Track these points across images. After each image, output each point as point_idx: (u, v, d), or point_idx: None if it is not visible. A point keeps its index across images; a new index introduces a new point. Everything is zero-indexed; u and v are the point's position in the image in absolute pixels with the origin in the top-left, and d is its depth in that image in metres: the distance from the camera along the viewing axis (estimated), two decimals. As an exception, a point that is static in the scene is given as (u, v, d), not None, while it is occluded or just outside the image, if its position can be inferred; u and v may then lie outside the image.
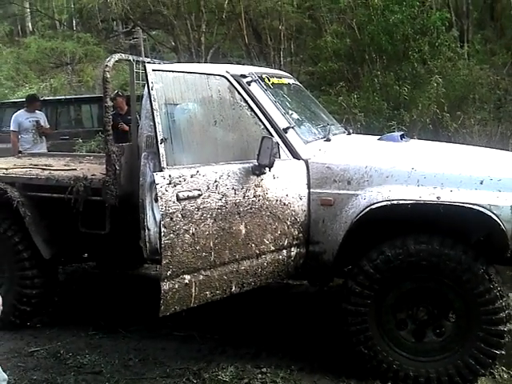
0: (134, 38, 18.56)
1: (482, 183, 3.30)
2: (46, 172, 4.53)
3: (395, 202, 3.34)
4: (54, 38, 18.81)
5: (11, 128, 8.02)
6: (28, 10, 20.79)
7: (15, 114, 8.18)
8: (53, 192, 4.20)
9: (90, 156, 5.96)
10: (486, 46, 12.06)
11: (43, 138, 8.22)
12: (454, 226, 3.39)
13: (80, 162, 5.29)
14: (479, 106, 9.51)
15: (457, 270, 3.25)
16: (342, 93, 9.71)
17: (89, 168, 4.76)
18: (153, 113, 3.22)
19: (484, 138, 8.53)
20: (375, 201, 3.38)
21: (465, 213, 3.26)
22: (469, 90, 9.43)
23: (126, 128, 6.96)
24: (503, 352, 3.35)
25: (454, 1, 12.34)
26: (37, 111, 8.24)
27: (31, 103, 8.22)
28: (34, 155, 6.11)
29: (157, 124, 3.20)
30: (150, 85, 3.24)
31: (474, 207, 3.23)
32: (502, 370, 3.61)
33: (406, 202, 3.32)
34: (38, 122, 8.07)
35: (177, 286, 3.21)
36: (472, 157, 4.02)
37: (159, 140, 3.19)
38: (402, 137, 4.33)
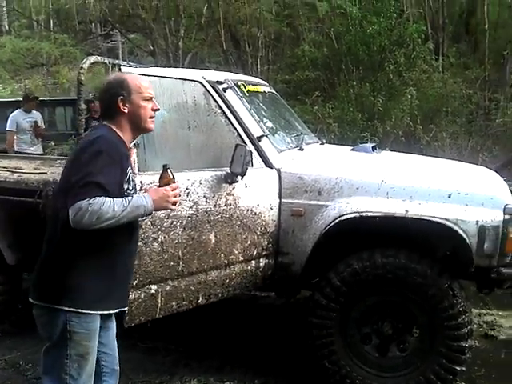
0: (111, 41, 18.45)
1: (449, 197, 3.31)
2: (16, 175, 4.43)
3: (364, 213, 3.34)
4: (30, 38, 18.59)
5: (8, 128, 7.74)
6: (4, 8, 20.51)
7: (12, 113, 7.95)
8: (21, 196, 4.11)
9: (61, 159, 5.85)
10: (460, 59, 12.26)
11: (39, 138, 8.04)
12: (421, 240, 3.40)
13: (51, 166, 5.19)
14: (451, 119, 9.64)
15: (422, 285, 3.25)
16: (317, 102, 9.76)
17: (60, 172, 4.67)
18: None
19: (455, 151, 8.65)
20: (344, 212, 3.38)
21: (432, 227, 3.27)
22: (442, 102, 9.57)
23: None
24: (464, 368, 3.35)
25: (430, 13, 12.54)
26: (33, 111, 8.02)
27: (27, 102, 7.97)
28: (3, 157, 5.99)
29: (128, 129, 3.13)
30: (123, 89, 3.18)
31: (442, 221, 3.24)
32: (463, 385, 3.61)
33: (374, 214, 3.33)
34: (36, 122, 7.89)
35: (143, 296, 3.16)
36: (441, 170, 4.03)
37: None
38: (373, 148, 4.33)
